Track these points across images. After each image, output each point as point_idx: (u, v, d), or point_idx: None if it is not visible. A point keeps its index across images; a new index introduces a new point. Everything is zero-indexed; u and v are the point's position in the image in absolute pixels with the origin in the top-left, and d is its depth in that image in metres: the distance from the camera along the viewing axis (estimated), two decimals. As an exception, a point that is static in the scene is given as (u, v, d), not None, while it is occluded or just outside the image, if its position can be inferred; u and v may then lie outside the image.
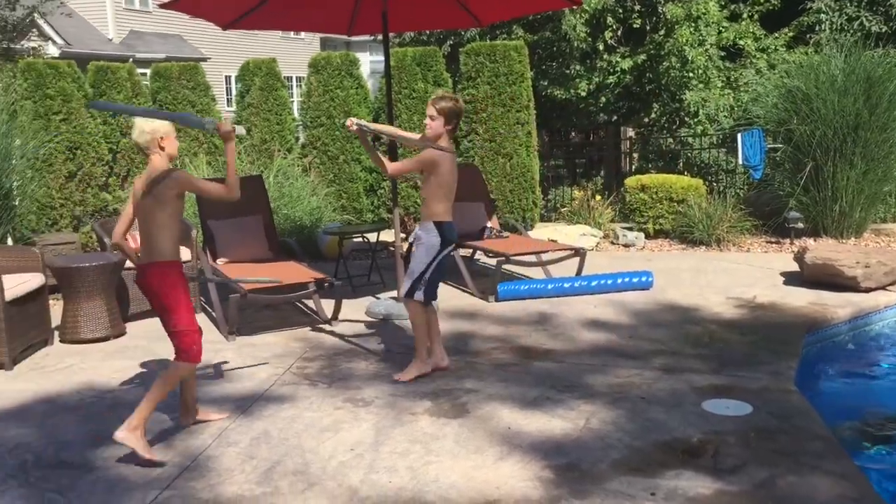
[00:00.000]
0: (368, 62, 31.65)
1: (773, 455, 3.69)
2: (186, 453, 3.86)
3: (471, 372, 4.96)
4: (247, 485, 3.52)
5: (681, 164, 12.42)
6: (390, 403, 4.45)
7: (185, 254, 6.48)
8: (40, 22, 19.82)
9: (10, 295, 5.20)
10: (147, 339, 5.82)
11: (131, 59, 21.78)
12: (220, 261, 6.51)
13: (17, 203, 7.82)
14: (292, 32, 29.93)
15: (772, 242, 8.89)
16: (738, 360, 5.06)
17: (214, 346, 5.63)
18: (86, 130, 8.73)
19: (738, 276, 7.33)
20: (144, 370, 5.14)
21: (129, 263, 6.14)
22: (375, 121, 9.86)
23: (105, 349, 5.65)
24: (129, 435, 3.75)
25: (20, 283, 5.40)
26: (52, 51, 20.06)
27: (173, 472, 3.66)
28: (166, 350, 5.52)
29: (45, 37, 20.34)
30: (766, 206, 9.25)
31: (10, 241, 7.54)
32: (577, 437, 3.95)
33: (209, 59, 24.73)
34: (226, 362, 5.27)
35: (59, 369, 5.22)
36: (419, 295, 4.76)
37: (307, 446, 3.91)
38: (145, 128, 3.90)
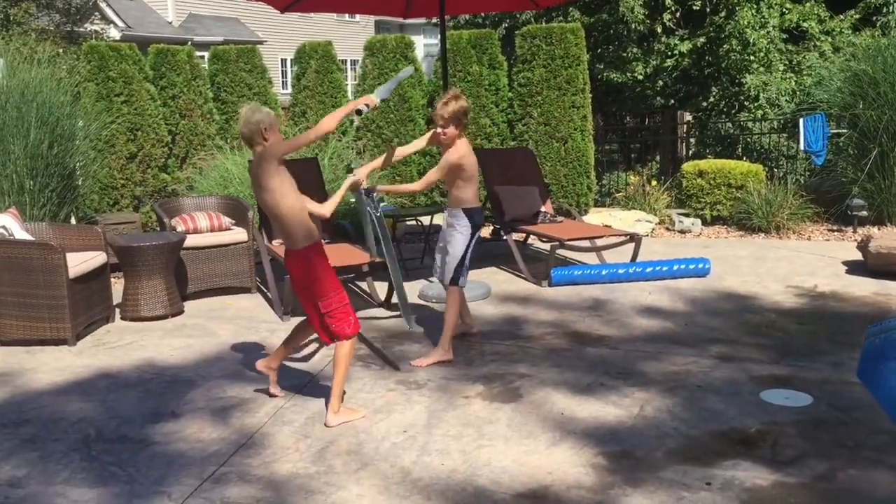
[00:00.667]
0: (422, 45, 31.64)
1: (833, 447, 3.61)
2: (243, 431, 3.93)
3: (524, 356, 4.94)
4: (301, 463, 3.57)
5: (739, 149, 12.17)
6: (443, 387, 4.46)
7: (242, 234, 6.58)
8: (103, 5, 20.25)
9: (73, 272, 5.33)
10: (204, 318, 5.93)
11: (190, 42, 22.11)
12: (275, 242, 6.58)
13: (80, 183, 8.01)
14: (347, 15, 30.05)
15: (833, 230, 8.66)
16: (798, 349, 4.95)
17: (270, 326, 5.71)
18: (146, 112, 8.88)
19: (799, 265, 7.17)
20: (201, 349, 5.23)
21: (190, 243, 6.27)
22: (430, 104, 9.86)
23: (164, 327, 5.77)
24: (335, 417, 3.98)
25: (84, 262, 5.53)
26: (114, 33, 20.48)
27: (229, 449, 3.72)
28: (223, 329, 5.64)
29: (107, 20, 20.78)
30: (829, 193, 9.01)
31: (73, 221, 7.73)
32: (632, 424, 3.91)
33: (265, 42, 25.00)
34: (280, 342, 5.32)
35: (120, 346, 5.35)
36: (463, 281, 4.90)
37: (360, 427, 3.94)
38: (251, 118, 3.83)
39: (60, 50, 13.57)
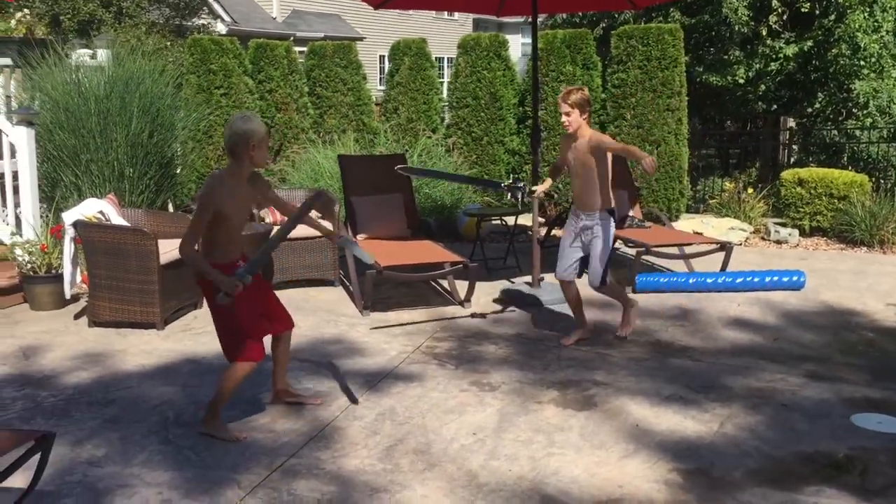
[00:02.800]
0: (520, 44, 31.47)
1: (930, 480, 3.39)
2: (315, 423, 3.96)
3: (602, 364, 4.83)
4: (368, 460, 3.57)
5: (845, 158, 11.61)
6: (516, 390, 4.40)
7: (328, 227, 6.64)
8: (211, 0, 20.89)
9: (164, 259, 5.50)
10: (288, 309, 6.01)
11: (292, 38, 22.62)
12: (359, 236, 6.64)
13: (177, 172, 8.28)
14: (445, 13, 30.15)
15: (944, 247, 8.17)
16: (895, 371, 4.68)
17: (350, 320, 5.76)
18: (244, 105, 9.11)
19: (903, 282, 6.79)
20: (282, 339, 5.31)
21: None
22: (521, 103, 9.78)
23: (248, 316, 5.88)
24: (205, 425, 3.85)
25: (174, 248, 5.69)
26: (221, 28, 21.11)
27: (300, 441, 3.76)
28: (304, 321, 5.72)
29: (214, 14, 21.43)
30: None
31: (170, 208, 7.99)
32: (710, 440, 3.77)
33: (364, 38, 25.32)
34: (359, 337, 5.37)
35: (205, 332, 5.48)
36: (609, 277, 5.14)
37: (430, 427, 3.92)
38: (237, 128, 3.58)
39: (168, 43, 14.08)
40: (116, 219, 5.72)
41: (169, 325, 5.63)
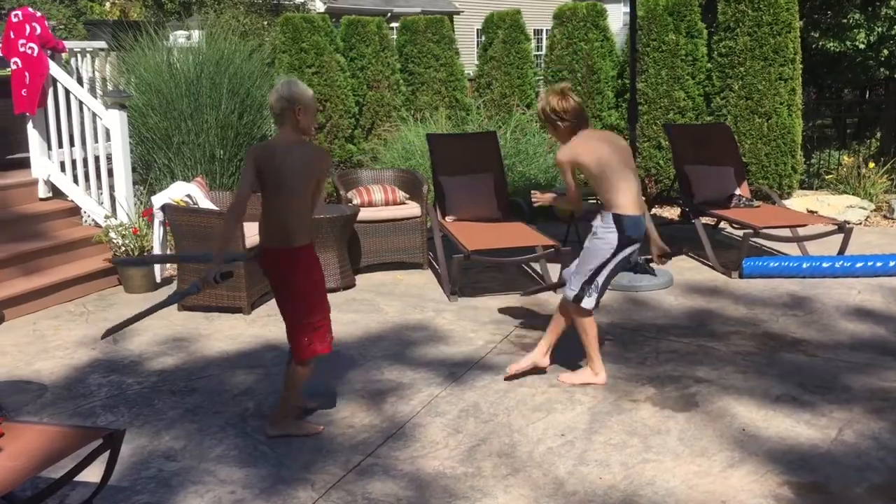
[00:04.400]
0: (621, 13, 30.47)
1: None
2: (394, 419, 3.79)
3: (704, 358, 4.47)
4: (449, 461, 3.37)
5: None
6: (610, 386, 4.11)
7: (416, 209, 6.48)
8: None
9: (250, 243, 5.42)
10: (374, 293, 5.89)
11: (389, 14, 22.55)
12: (448, 218, 6.43)
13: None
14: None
15: None
16: None
17: (437, 305, 5.57)
18: (335, 83, 8.99)
19: None
20: (366, 325, 5.18)
21: (364, 216, 6.24)
22: (620, 76, 9.32)
23: (334, 300, 5.69)
24: (273, 427, 3.68)
25: (260, 232, 5.62)
26: (319, 5, 21.22)
27: (378, 439, 3.59)
28: (390, 306, 5.57)
29: (313, -8, 21.57)
30: None
31: (263, 189, 7.98)
32: (827, 449, 3.39)
33: (462, 12, 25.01)
34: (445, 324, 5.17)
35: (290, 317, 5.39)
36: (588, 302, 4.00)
37: (516, 426, 3.69)
38: (284, 93, 3.44)
39: (265, 23, 14.19)
40: (204, 202, 5.68)
41: (255, 309, 5.57)
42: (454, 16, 24.67)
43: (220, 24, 8.89)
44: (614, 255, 3.96)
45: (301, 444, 3.56)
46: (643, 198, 4.18)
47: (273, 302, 5.71)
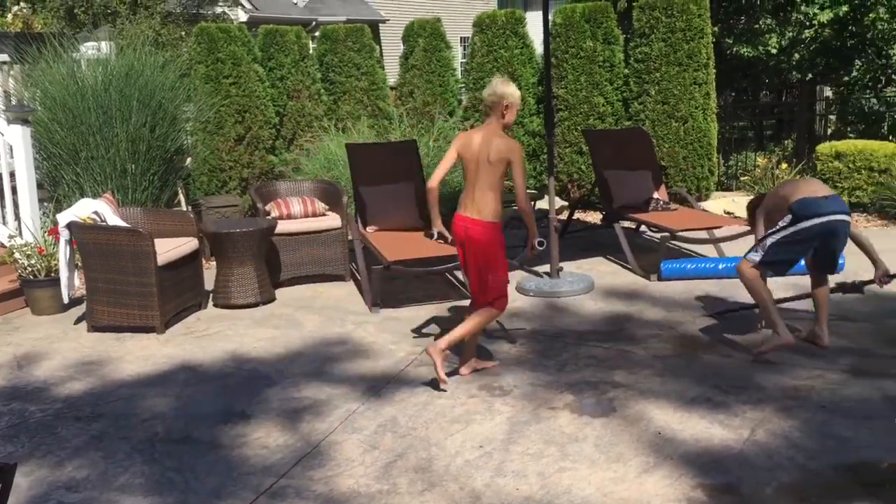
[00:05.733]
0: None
1: None
2: (310, 438, 3.69)
3: (623, 362, 4.50)
4: (364, 479, 3.30)
5: (885, 127, 11.06)
6: (529, 394, 4.09)
7: (336, 220, 6.39)
8: (230, -13, 20.66)
9: (162, 259, 5.27)
10: (293, 307, 5.78)
11: (314, 22, 22.33)
12: (369, 229, 6.36)
13: (187, 165, 8.07)
14: (470, -9, 29.60)
15: None
16: (946, 365, 4.28)
17: (357, 318, 5.49)
18: (254, 94, 8.83)
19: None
20: (285, 341, 5.06)
21: (282, 229, 6.13)
22: (541, 82, 9.39)
23: (253, 315, 5.65)
24: (435, 351, 4.12)
25: (174, 248, 5.47)
26: (241, 15, 20.86)
27: (293, 459, 3.49)
28: (310, 320, 5.46)
29: (234, 1, 21.21)
30: None
31: (182, 203, 7.78)
32: (740, 450, 3.43)
33: (387, 20, 24.96)
34: (366, 337, 5.09)
35: (206, 335, 5.25)
36: (752, 256, 4.45)
37: (434, 439, 3.63)
38: (497, 89, 4.10)
39: (183, 33, 13.86)
40: (113, 219, 5.49)
41: (170, 328, 5.40)
42: (380, 24, 24.63)
43: (134, 35, 8.64)
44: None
45: (210, 468, 3.43)
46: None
47: (189, 319, 5.59)
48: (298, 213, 6.34)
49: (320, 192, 6.75)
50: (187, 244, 5.61)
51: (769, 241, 4.42)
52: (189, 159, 8.43)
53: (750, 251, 4.50)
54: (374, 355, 4.76)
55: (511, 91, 4.12)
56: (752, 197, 8.39)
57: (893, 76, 11.24)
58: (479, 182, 4.14)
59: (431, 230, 4.62)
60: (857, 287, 4.85)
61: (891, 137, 10.47)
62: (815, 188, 4.50)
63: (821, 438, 3.50)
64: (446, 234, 4.53)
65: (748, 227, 6.26)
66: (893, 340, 4.69)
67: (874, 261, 4.66)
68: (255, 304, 5.81)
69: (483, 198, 4.13)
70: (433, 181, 4.36)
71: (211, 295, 5.94)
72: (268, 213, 6.29)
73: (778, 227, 4.42)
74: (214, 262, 5.97)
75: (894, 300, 5.41)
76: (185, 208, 7.47)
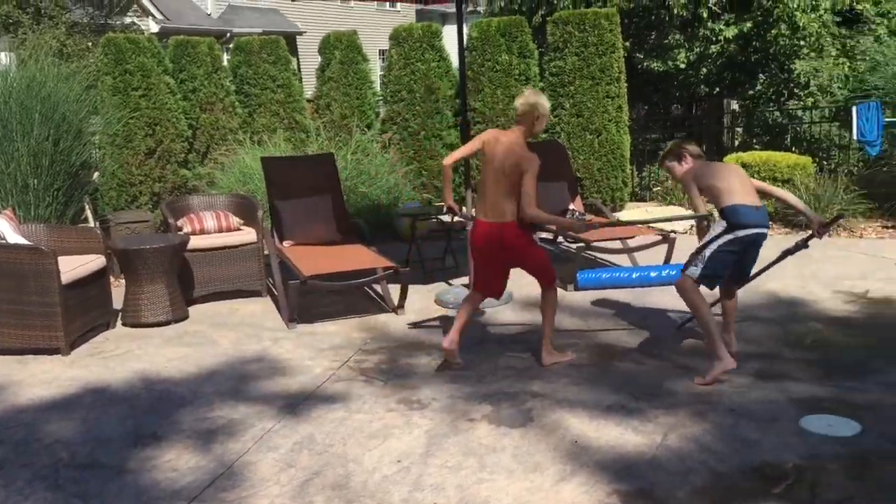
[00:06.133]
0: (464, 34, 31.04)
1: (883, 490, 3.15)
2: (223, 458, 3.59)
3: (540, 372, 4.53)
4: (280, 499, 3.22)
5: (788, 139, 11.52)
6: (448, 407, 4.08)
7: (251, 235, 6.27)
8: (140, -3, 20.18)
9: (67, 278, 5.07)
10: (207, 325, 5.64)
11: (229, 33, 21.99)
12: (285, 243, 6.27)
13: (95, 179, 7.81)
14: (388, 4, 29.66)
15: (888, 227, 8.06)
16: (846, 366, 4.46)
17: (274, 334, 5.39)
18: (165, 106, 8.62)
19: (849, 266, 6.62)
20: (198, 360, 4.93)
21: (195, 244, 5.99)
22: (458, 95, 9.45)
23: (165, 334, 5.49)
24: (550, 356, 4.57)
25: (79, 266, 5.27)
26: (152, 26, 20.40)
27: (205, 481, 3.39)
28: (225, 337, 5.34)
29: (145, 12, 20.71)
30: (883, 187, 8.39)
31: (90, 219, 7.52)
32: (653, 456, 3.49)
33: (305, 32, 24.77)
34: (282, 353, 5.00)
35: (115, 355, 5.07)
36: (693, 271, 4.32)
37: (351, 455, 3.59)
38: (530, 99, 4.32)
39: (90, 44, 13.45)
40: (13, 237, 5.26)
41: (76, 349, 5.19)
42: (297, 36, 24.42)
43: (37, 46, 8.33)
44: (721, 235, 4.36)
45: (117, 494, 3.30)
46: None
47: (96, 339, 5.39)
48: (212, 228, 6.20)
49: (235, 207, 6.62)
50: (94, 262, 5.42)
51: (707, 252, 4.31)
52: (96, 174, 8.16)
53: (689, 266, 4.37)
54: (291, 372, 4.67)
55: (542, 102, 4.34)
56: (664, 207, 8.61)
57: (795, 90, 11.71)
58: (499, 185, 4.37)
59: (446, 204, 4.93)
60: (800, 246, 4.84)
61: (794, 149, 10.90)
62: (746, 189, 4.39)
63: (730, 441, 3.60)
64: (455, 207, 4.93)
65: (659, 237, 6.44)
66: (798, 343, 4.86)
67: (806, 214, 4.66)
68: (167, 323, 5.64)
69: (501, 202, 4.38)
70: (448, 160, 4.64)
71: (120, 314, 5.74)
72: (180, 229, 6.13)
73: (713, 237, 4.33)
74: (124, 280, 5.77)
75: (796, 304, 5.61)
76: (92, 224, 7.22)
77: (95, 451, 3.71)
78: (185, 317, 5.78)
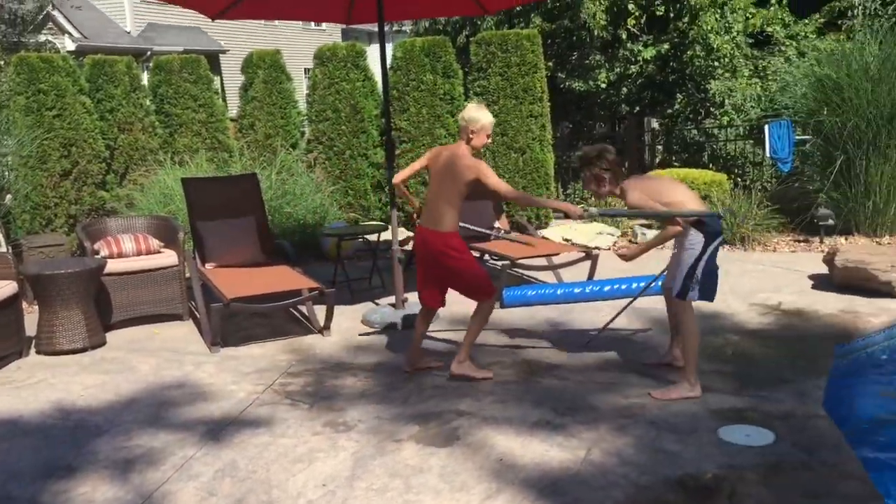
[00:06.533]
0: (389, 54, 31.12)
1: (798, 497, 3.25)
2: (141, 489, 3.49)
3: (467, 390, 4.55)
4: (200, 529, 3.15)
5: (706, 156, 11.88)
6: (374, 428, 4.06)
7: (172, 257, 6.14)
8: (56, 14, 19.65)
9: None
10: (126, 351, 5.48)
11: (149, 52, 21.58)
12: (208, 265, 6.16)
13: (6, 202, 7.54)
14: (313, 23, 29.55)
15: (800, 241, 8.37)
16: (761, 377, 4.60)
17: (196, 358, 5.28)
18: (81, 126, 8.39)
19: (764, 280, 6.84)
20: (116, 387, 4.79)
21: (113, 268, 5.84)
22: (383, 115, 9.45)
23: (81, 361, 5.31)
24: (460, 366, 4.61)
25: (-11, 292, 5.07)
26: (69, 44, 19.87)
27: (122, 513, 3.29)
28: (144, 363, 5.20)
29: (61, 30, 20.17)
30: (794, 202, 8.72)
31: (2, 242, 7.24)
32: (577, 471, 3.53)
33: (228, 51, 24.49)
34: (204, 378, 4.90)
35: (28, 385, 4.89)
36: (693, 295, 4.32)
37: (275, 480, 3.53)
38: (465, 114, 4.44)
39: (2, 62, 13.03)
40: (-83, 263, 5.03)
41: (-14, 378, 4.99)
42: (220, 55, 24.12)
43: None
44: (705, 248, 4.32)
45: (30, 530, 3.18)
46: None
47: (8, 368, 5.21)
48: (130, 252, 6.05)
49: (155, 229, 6.48)
50: (5, 288, 5.22)
51: (699, 273, 4.29)
52: (9, 196, 7.88)
53: (686, 292, 4.33)
54: (214, 397, 4.58)
55: (477, 116, 4.42)
56: (588, 224, 8.76)
57: (711, 109, 12.08)
58: (439, 195, 4.47)
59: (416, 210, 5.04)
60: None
61: (711, 166, 11.24)
62: (696, 196, 4.45)
63: (651, 454, 3.67)
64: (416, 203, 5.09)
65: (583, 253, 6.55)
66: (715, 356, 4.99)
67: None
68: (84, 350, 5.47)
69: (439, 210, 4.46)
70: (398, 178, 4.82)
71: (33, 341, 5.54)
72: (97, 252, 5.96)
73: (699, 255, 4.29)
74: (37, 306, 5.58)
75: (714, 317, 5.77)
76: (4, 249, 6.96)
77: (7, 484, 3.56)
78: (102, 343, 5.61)
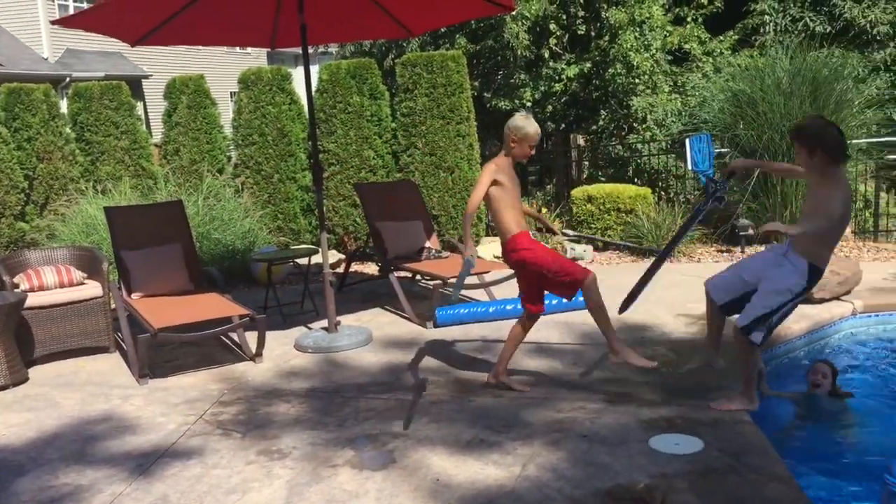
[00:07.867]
0: (316, 76, 31.03)
1: (728, 501, 3.34)
2: (68, 529, 3.39)
3: (402, 412, 4.54)
4: (131, 567, 3.07)
5: (630, 171, 12.16)
6: (309, 455, 4.02)
7: (96, 289, 5.99)
8: (-32, 42, 19.04)
9: None
10: (50, 386, 5.32)
11: (69, 78, 21.07)
12: (134, 295, 6.02)
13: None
14: (237, 48, 29.28)
15: (723, 251, 8.63)
16: (689, 386, 4.72)
17: (123, 391, 5.15)
18: (-3, 156, 8.16)
19: (690, 290, 7.01)
20: (40, 424, 4.64)
21: (34, 302, 5.67)
22: (311, 138, 9.43)
23: (3, 399, 5.13)
24: (621, 353, 4.41)
25: None
26: (-17, 72, 19.26)
27: (48, 555, 3.19)
28: (69, 398, 5.05)
29: (-26, 57, 19.56)
30: (715, 214, 9.00)
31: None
32: (512, 488, 3.56)
33: (151, 76, 24.08)
34: (132, 411, 4.78)
35: (-54, 426, 4.70)
36: (757, 336, 4.10)
37: (208, 513, 3.47)
38: (509, 123, 4.50)
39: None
40: None
41: None
42: (143, 80, 23.70)
43: None
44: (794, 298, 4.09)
45: (-51, 580, 3.05)
46: None
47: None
48: (52, 284, 5.88)
49: (77, 260, 6.31)
50: (-82, 326, 5.02)
51: (775, 319, 4.14)
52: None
53: (750, 331, 4.12)
54: (143, 430, 4.47)
55: (519, 125, 4.46)
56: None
57: (634, 124, 12.38)
58: (487, 206, 4.64)
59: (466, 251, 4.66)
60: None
61: (636, 180, 11.51)
62: None
63: (584, 466, 3.72)
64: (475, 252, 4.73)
65: (513, 272, 6.61)
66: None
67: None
68: (5, 387, 5.28)
69: (494, 220, 4.66)
70: (471, 207, 4.52)
71: (-49, 381, 5.33)
72: (16, 286, 5.78)
73: (793, 297, 4.09)
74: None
75: (643, 328, 5.90)
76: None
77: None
78: (24, 379, 5.43)
